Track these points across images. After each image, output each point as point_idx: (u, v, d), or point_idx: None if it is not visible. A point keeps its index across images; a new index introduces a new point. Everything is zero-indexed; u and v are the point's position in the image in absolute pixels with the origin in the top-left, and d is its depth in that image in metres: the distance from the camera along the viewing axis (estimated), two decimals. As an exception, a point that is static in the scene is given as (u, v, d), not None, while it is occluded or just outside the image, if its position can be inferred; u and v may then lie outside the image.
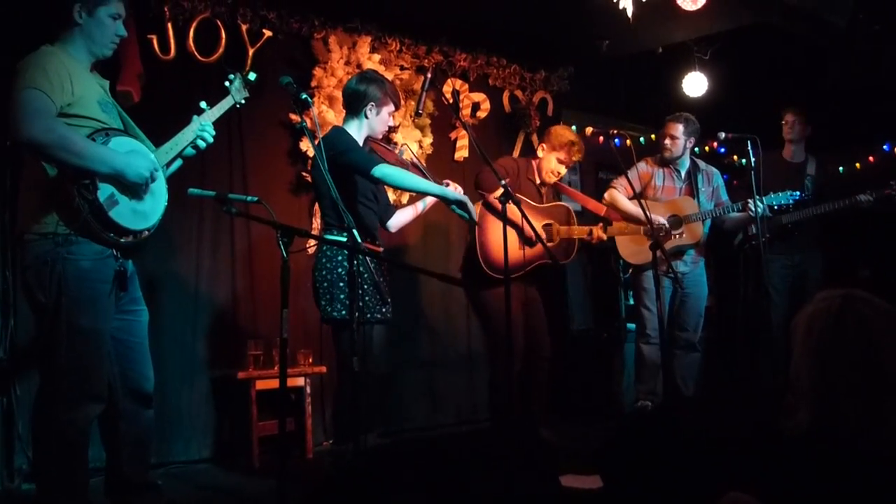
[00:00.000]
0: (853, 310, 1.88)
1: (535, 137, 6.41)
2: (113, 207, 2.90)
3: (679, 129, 5.22)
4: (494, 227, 4.57)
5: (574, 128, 7.11)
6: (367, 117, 3.85)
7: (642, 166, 5.27)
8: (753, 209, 4.88)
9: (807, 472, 1.84)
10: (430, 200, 4.23)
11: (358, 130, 3.85)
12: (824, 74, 6.85)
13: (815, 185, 5.68)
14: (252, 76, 3.51)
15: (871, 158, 8.15)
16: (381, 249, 3.95)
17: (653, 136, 5.49)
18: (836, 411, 1.83)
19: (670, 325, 5.12)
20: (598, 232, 4.84)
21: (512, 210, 4.32)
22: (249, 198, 3.28)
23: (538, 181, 4.86)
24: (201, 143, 3.31)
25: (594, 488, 3.38)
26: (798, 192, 5.08)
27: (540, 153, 4.88)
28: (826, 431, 1.84)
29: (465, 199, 3.71)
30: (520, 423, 4.56)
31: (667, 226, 5.02)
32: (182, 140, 3.24)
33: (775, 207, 5.09)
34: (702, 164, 5.41)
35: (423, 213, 4.33)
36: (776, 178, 5.17)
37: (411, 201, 5.03)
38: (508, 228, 4.47)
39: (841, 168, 8.06)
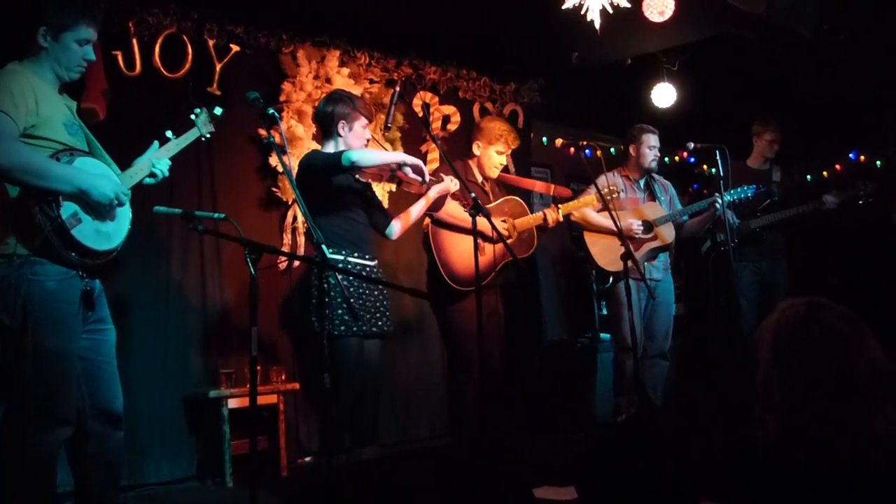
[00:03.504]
0: (818, 317, 1.89)
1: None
2: (75, 226, 2.86)
3: (657, 139, 5.29)
4: (451, 242, 4.53)
5: (545, 139, 7.20)
6: (340, 135, 3.90)
7: (610, 177, 5.27)
8: (718, 205, 5.04)
9: (779, 481, 1.84)
10: (423, 204, 4.20)
11: (335, 150, 3.88)
12: (792, 84, 6.94)
13: (780, 191, 5.78)
14: (218, 111, 3.51)
15: (837, 167, 8.27)
16: (372, 263, 3.94)
17: (621, 147, 5.50)
18: (808, 419, 1.83)
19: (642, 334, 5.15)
20: (552, 214, 4.73)
21: (460, 218, 4.38)
22: (217, 215, 3.26)
23: (479, 179, 4.77)
24: (158, 176, 3.28)
25: (569, 500, 3.38)
26: (754, 186, 5.17)
27: (476, 151, 4.75)
28: (798, 439, 1.84)
29: (419, 162, 3.83)
30: (491, 435, 4.54)
31: (641, 231, 5.06)
32: (146, 166, 3.21)
33: (736, 202, 5.16)
34: (655, 175, 5.47)
35: (418, 217, 4.29)
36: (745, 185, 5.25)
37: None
38: (462, 238, 4.46)
39: (809, 176, 8.16)
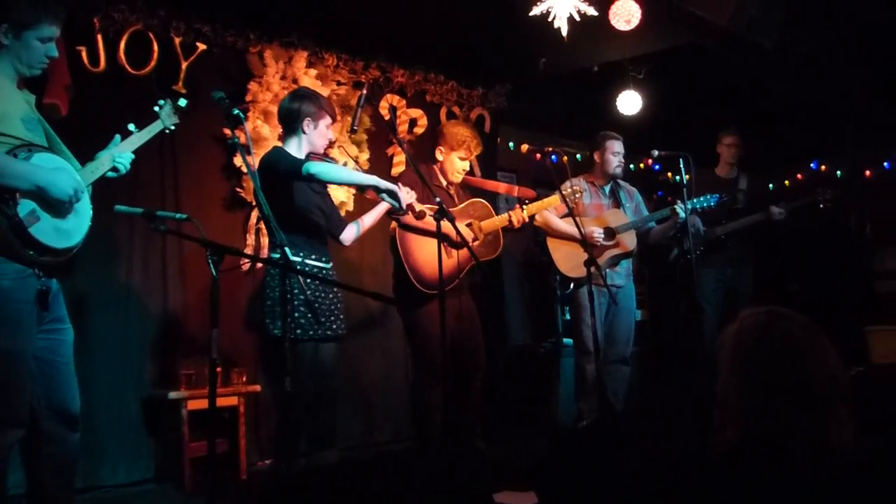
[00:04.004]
0: (778, 326, 1.92)
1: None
2: (33, 224, 2.80)
3: (621, 145, 5.34)
4: (417, 245, 4.52)
5: (511, 144, 7.23)
6: (304, 133, 3.89)
7: (575, 182, 5.29)
8: (680, 212, 5.08)
9: (737, 487, 1.86)
10: (378, 211, 4.24)
11: (298, 148, 3.88)
12: (755, 94, 7.03)
13: (746, 199, 5.86)
14: (183, 102, 3.46)
15: (799, 176, 8.40)
16: (328, 265, 3.94)
17: (587, 153, 5.53)
18: (766, 426, 1.85)
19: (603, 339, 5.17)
20: (517, 215, 4.74)
21: (426, 222, 4.28)
22: (178, 215, 3.23)
23: (444, 183, 4.77)
24: (119, 171, 3.24)
25: (529, 505, 3.39)
26: (717, 195, 5.22)
27: (439, 156, 4.76)
28: (754, 446, 1.86)
29: (395, 187, 3.76)
30: (452, 442, 4.54)
31: (602, 238, 5.09)
32: (107, 161, 3.17)
33: (699, 209, 5.22)
34: (621, 181, 5.50)
35: (372, 225, 4.31)
36: (710, 193, 5.31)
37: (352, 215, 5.00)
38: (429, 241, 4.41)
39: (771, 185, 8.27)
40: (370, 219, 4.27)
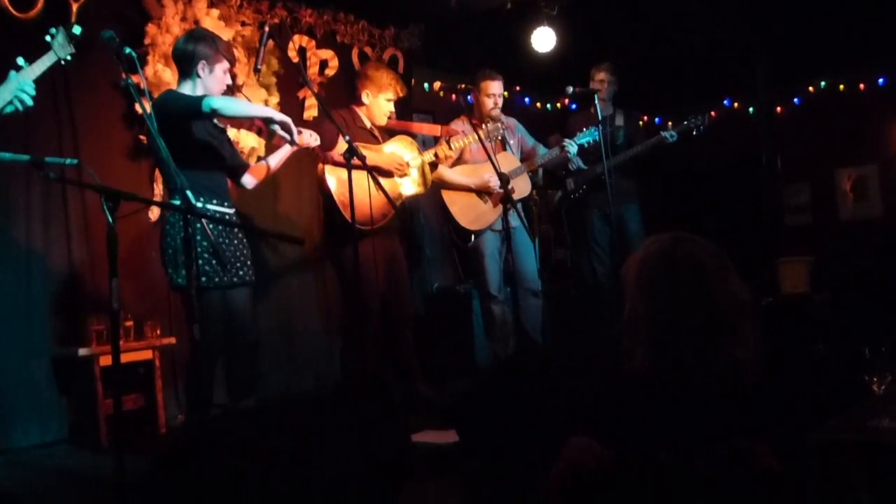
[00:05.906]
0: (683, 250, 1.91)
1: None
2: None
3: (500, 86, 5.29)
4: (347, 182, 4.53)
5: (426, 85, 7.12)
6: (200, 76, 3.75)
7: (460, 125, 5.24)
8: (569, 147, 5.21)
9: (646, 413, 1.87)
10: (282, 154, 4.15)
11: (192, 92, 3.74)
12: (668, 32, 7.05)
13: (625, 134, 5.92)
14: (77, 30, 3.28)
15: (712, 113, 8.50)
16: (231, 210, 3.86)
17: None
18: (673, 350, 1.86)
19: (510, 280, 5.17)
20: (443, 150, 4.87)
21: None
22: (68, 160, 3.10)
23: (368, 125, 4.81)
24: (19, 105, 3.06)
25: (450, 442, 3.40)
26: (597, 130, 5.27)
27: (365, 99, 4.79)
28: (664, 372, 1.87)
29: (289, 120, 3.69)
30: (370, 382, 4.54)
31: (498, 185, 5.06)
32: (7, 94, 2.99)
33: (585, 146, 5.29)
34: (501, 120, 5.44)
35: (277, 168, 4.23)
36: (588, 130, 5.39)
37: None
38: (359, 177, 4.34)
39: (686, 121, 8.37)
40: (274, 161, 4.17)
